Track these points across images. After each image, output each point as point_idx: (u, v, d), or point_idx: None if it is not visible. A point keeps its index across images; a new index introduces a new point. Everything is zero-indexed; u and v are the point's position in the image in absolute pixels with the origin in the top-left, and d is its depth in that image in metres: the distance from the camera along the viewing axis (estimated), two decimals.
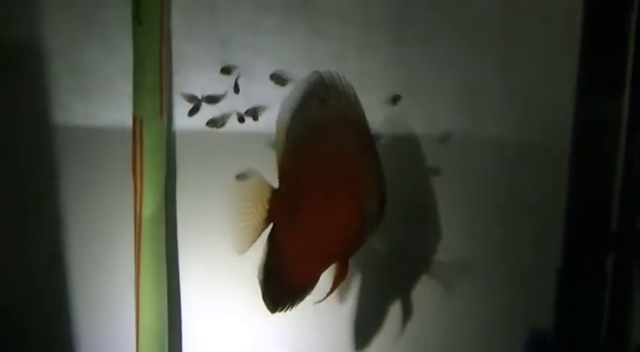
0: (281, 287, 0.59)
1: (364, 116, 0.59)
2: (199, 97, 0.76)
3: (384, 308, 0.81)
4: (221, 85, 0.76)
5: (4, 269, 0.81)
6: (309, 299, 0.60)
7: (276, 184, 0.59)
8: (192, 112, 0.76)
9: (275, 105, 0.70)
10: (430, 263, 0.79)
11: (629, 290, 0.72)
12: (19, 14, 0.76)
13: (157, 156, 0.75)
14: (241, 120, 0.76)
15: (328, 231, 0.59)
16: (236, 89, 0.75)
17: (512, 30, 0.75)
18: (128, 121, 0.74)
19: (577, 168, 0.72)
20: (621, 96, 0.71)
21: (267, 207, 0.59)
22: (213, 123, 0.76)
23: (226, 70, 0.75)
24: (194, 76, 0.76)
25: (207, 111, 0.76)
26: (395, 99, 0.75)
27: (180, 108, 0.77)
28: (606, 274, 0.71)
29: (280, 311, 0.59)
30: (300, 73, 0.72)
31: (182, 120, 0.77)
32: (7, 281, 0.81)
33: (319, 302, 0.61)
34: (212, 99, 0.76)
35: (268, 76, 0.75)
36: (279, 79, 0.75)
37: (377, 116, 0.75)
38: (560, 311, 0.73)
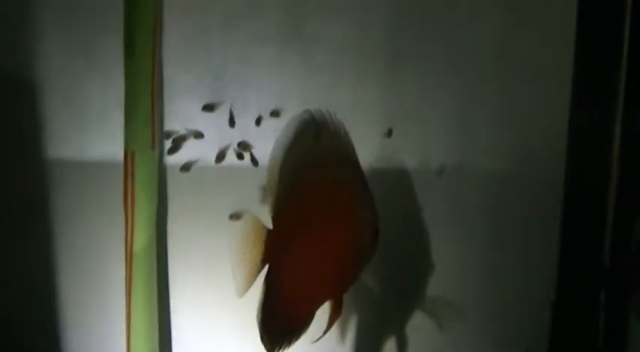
0: (278, 327, 0.59)
1: (354, 151, 0.60)
2: (184, 132, 0.76)
3: (380, 346, 0.81)
4: (209, 119, 0.76)
5: None
6: (304, 337, 0.60)
7: (268, 223, 0.59)
8: (172, 151, 0.76)
9: (266, 139, 0.71)
10: (422, 297, 0.79)
11: (622, 323, 0.72)
12: (13, 44, 0.75)
13: (149, 190, 0.74)
14: (240, 157, 0.75)
15: (323, 268, 0.59)
16: (231, 122, 0.74)
17: (505, 59, 0.75)
18: (121, 154, 0.74)
19: (570, 201, 0.72)
20: (613, 129, 0.71)
21: (262, 249, 0.58)
22: (185, 168, 0.75)
23: (209, 107, 0.75)
24: (185, 108, 0.76)
25: (195, 146, 0.76)
26: (389, 133, 0.76)
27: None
28: (600, 307, 0.71)
29: (278, 351, 0.59)
30: (293, 106, 0.74)
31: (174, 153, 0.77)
32: None
33: (317, 340, 0.60)
34: (199, 135, 0.76)
35: (260, 109, 0.75)
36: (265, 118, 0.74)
37: (370, 148, 0.75)
38: (554, 343, 0.73)
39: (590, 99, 0.72)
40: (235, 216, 0.69)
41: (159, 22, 0.73)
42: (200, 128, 0.76)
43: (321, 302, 0.60)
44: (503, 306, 0.78)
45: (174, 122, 0.77)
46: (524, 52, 0.75)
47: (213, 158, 0.76)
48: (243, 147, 0.75)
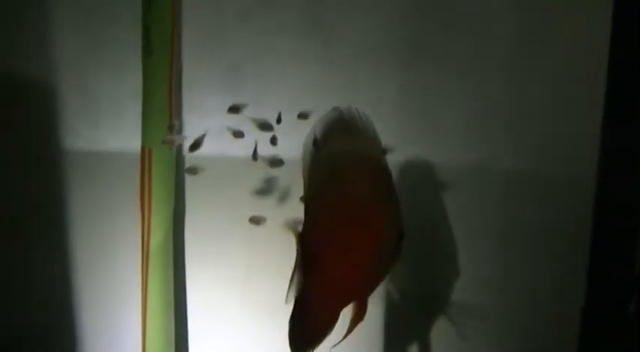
0: (305, 330, 0.58)
1: (383, 152, 0.59)
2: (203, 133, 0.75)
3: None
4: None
5: (10, 297, 0.81)
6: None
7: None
8: (194, 148, 0.75)
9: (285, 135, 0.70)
10: (446, 304, 0.76)
11: None
12: (29, 40, 0.77)
13: (166, 187, 0.75)
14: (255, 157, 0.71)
15: (350, 270, 0.57)
16: (254, 156, 0.69)
17: (528, 54, 0.72)
18: (137, 147, 0.74)
19: (602, 206, 0.68)
20: None
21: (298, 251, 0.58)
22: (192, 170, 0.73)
23: (235, 109, 0.72)
24: (204, 105, 0.76)
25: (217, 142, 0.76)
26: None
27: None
28: (629, 315, 0.66)
29: None
30: (312, 101, 0.73)
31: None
32: (13, 309, 0.81)
33: (336, 345, 0.58)
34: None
35: (280, 104, 0.74)
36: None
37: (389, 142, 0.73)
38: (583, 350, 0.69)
39: (624, 98, 0.68)
40: (254, 220, 0.68)
41: (177, 20, 0.74)
42: (221, 124, 0.75)
43: (346, 304, 0.59)
44: (530, 312, 0.74)
45: (193, 118, 0.77)
46: (554, 43, 0.71)
47: (234, 154, 0.75)
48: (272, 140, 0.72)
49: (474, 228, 0.75)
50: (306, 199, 0.59)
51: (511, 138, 0.73)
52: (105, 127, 0.78)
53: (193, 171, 0.72)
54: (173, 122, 0.74)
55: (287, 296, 0.58)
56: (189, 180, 0.78)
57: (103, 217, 0.79)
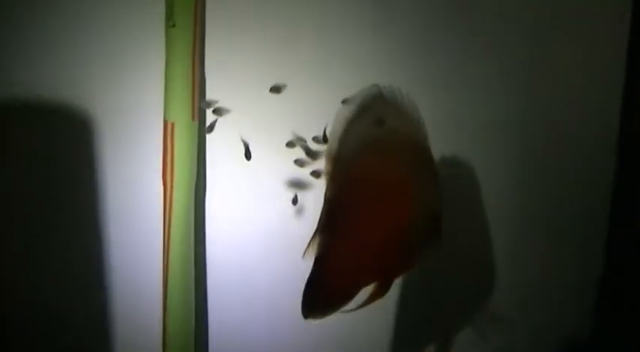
0: (319, 295, 0.58)
1: (423, 134, 0.57)
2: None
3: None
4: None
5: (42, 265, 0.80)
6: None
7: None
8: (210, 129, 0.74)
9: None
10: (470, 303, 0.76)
11: None
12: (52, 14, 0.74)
13: (189, 161, 0.74)
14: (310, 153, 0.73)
15: (374, 244, 0.57)
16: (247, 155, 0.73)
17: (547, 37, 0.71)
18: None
19: (618, 197, 0.68)
20: None
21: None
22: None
23: (276, 89, 0.72)
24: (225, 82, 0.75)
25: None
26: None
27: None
28: None
29: (312, 318, 0.58)
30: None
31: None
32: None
33: (348, 311, 0.58)
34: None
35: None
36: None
37: None
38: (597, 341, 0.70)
39: None
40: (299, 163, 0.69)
41: None
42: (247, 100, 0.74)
43: (369, 281, 0.58)
44: (546, 304, 0.75)
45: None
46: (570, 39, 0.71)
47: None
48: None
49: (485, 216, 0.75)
50: (332, 165, 0.57)
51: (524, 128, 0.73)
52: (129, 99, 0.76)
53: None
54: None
55: (305, 252, 0.58)
56: (210, 155, 0.77)
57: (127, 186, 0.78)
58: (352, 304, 0.58)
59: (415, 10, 0.73)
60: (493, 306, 0.76)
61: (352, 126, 0.57)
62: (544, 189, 0.75)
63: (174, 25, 0.71)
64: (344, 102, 0.59)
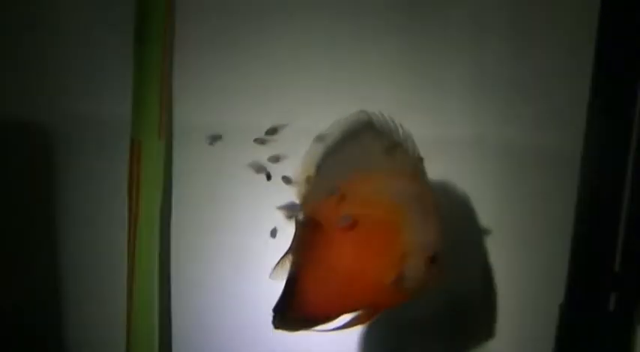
0: (292, 312, 0.56)
1: (419, 164, 0.55)
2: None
3: None
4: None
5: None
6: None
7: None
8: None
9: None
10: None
11: (631, 328, 0.71)
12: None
13: (155, 179, 0.73)
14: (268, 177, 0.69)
15: (354, 275, 0.54)
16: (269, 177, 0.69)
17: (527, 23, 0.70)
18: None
19: (581, 211, 0.70)
20: (630, 129, 0.69)
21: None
22: None
23: (272, 131, 0.70)
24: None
25: None
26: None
27: (180, 130, 0.76)
28: (609, 311, 0.70)
29: (280, 330, 0.56)
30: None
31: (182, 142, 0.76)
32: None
33: (324, 331, 0.56)
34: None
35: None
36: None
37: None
38: (562, 348, 0.72)
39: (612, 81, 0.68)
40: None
41: (171, 7, 0.72)
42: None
43: (351, 308, 0.56)
44: (510, 305, 0.76)
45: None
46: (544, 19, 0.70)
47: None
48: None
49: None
50: (309, 191, 0.56)
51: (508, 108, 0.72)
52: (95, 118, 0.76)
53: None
54: None
55: (272, 272, 0.57)
56: (177, 175, 0.77)
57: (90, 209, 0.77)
58: (330, 325, 0.56)
59: (388, 34, 0.72)
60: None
61: (334, 155, 0.55)
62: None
63: (142, 44, 0.71)
64: (317, 138, 0.57)
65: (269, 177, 0.68)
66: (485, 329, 0.76)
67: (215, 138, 0.73)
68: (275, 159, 0.70)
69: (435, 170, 0.68)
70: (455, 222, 0.66)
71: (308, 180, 0.57)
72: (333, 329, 0.56)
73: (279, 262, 0.57)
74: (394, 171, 0.54)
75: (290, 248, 0.57)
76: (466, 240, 0.74)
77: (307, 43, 0.73)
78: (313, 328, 0.56)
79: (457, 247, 0.60)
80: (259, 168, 0.70)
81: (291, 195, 0.61)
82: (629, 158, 0.70)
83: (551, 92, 0.71)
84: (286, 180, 0.63)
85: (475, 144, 0.72)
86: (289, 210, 0.59)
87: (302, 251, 0.56)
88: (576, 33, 0.69)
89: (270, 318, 0.56)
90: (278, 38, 0.73)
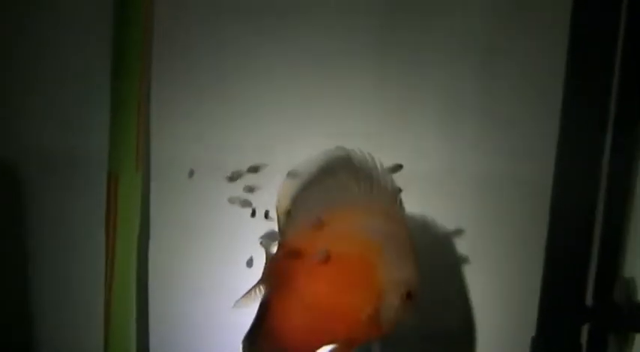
0: (264, 341, 0.56)
1: (396, 203, 0.55)
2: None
3: None
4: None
5: None
6: None
7: None
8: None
9: None
10: None
11: None
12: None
13: (132, 213, 0.74)
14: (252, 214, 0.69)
15: (332, 309, 0.54)
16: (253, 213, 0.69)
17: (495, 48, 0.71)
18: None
19: (553, 244, 0.71)
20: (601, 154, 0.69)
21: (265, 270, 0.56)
22: None
23: (254, 169, 0.71)
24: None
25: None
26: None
27: (157, 163, 0.77)
28: (581, 344, 0.70)
29: None
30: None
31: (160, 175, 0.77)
32: None
33: None
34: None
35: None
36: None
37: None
38: None
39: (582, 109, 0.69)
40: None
41: (148, 43, 0.73)
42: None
43: (327, 342, 0.56)
44: (483, 337, 0.77)
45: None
46: (515, 49, 0.71)
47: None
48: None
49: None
50: (286, 221, 0.56)
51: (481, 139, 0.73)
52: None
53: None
54: None
55: (237, 302, 0.57)
56: (155, 206, 0.78)
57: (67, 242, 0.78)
58: None
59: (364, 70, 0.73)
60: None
61: (311, 191, 0.56)
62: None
63: (119, 80, 0.72)
64: (289, 174, 0.57)
65: (254, 214, 0.69)
66: None
67: (192, 172, 0.74)
68: (250, 189, 0.71)
69: (410, 203, 0.70)
70: (430, 256, 0.65)
71: (287, 213, 0.57)
72: None
73: (248, 292, 0.58)
74: (371, 209, 0.55)
75: (261, 279, 0.58)
76: (441, 274, 0.74)
77: (283, 80, 0.74)
78: None
79: (432, 281, 0.60)
80: (236, 201, 0.71)
81: (268, 226, 0.62)
82: (600, 190, 0.71)
83: (522, 124, 0.72)
84: (266, 214, 0.64)
85: (448, 176, 0.73)
86: (268, 239, 0.60)
87: (275, 282, 0.57)
88: (547, 65, 0.70)
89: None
90: (255, 74, 0.74)
